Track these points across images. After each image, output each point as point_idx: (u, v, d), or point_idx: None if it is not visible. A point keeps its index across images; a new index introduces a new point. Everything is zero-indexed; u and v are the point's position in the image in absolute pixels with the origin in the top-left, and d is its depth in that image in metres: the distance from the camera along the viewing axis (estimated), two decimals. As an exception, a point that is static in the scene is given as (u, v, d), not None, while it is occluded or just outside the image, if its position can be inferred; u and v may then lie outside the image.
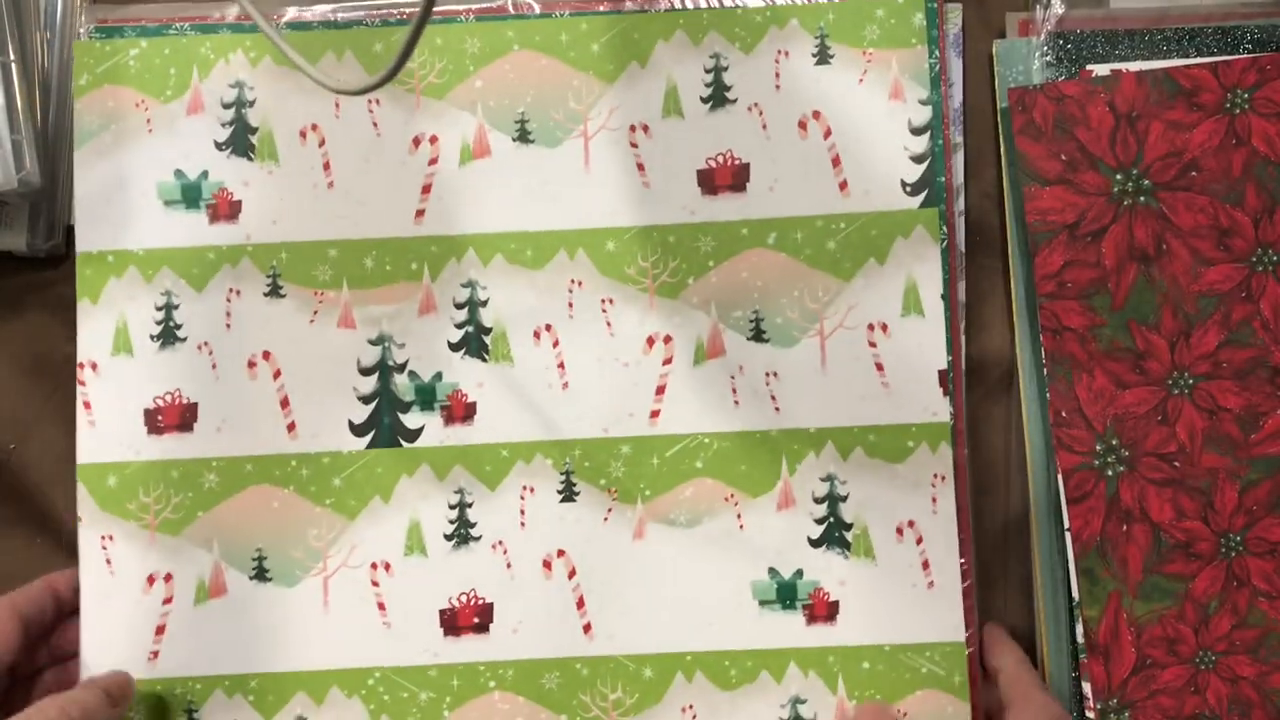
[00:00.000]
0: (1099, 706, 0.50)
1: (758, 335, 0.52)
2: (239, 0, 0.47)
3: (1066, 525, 0.51)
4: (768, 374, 0.52)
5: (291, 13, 0.54)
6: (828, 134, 0.53)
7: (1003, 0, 0.54)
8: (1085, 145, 0.51)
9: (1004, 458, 0.53)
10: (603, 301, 0.53)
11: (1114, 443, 0.51)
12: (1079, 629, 0.51)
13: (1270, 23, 0.53)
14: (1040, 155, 0.52)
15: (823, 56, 0.53)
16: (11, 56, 0.51)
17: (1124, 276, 0.51)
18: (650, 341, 0.53)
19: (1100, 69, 0.53)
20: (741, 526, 0.52)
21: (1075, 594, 0.51)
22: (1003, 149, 0.54)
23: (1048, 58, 0.53)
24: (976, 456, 0.53)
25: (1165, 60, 0.53)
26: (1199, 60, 0.52)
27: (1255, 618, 0.50)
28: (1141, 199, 0.51)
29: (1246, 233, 0.51)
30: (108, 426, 0.52)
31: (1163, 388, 0.51)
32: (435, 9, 0.54)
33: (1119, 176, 0.51)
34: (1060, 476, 0.51)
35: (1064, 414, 0.51)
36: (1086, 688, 0.51)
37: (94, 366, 0.52)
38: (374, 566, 0.52)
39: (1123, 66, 0.53)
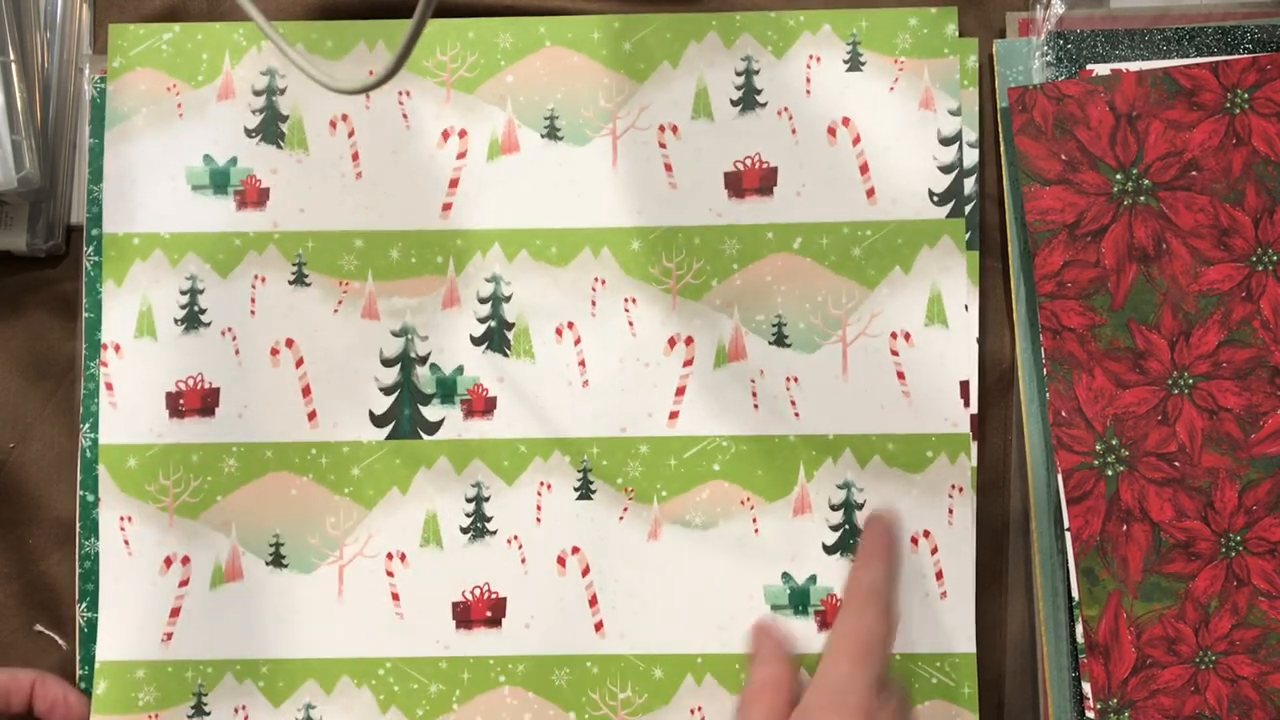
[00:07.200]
0: (1099, 706, 0.50)
1: (780, 340, 0.52)
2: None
3: (1066, 525, 0.51)
4: (788, 379, 0.52)
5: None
6: (856, 141, 0.53)
7: (1003, 0, 0.54)
8: (1085, 145, 0.51)
9: (1004, 458, 0.53)
10: (625, 301, 0.53)
11: (1114, 442, 0.51)
12: (1079, 629, 0.50)
13: (1270, 23, 0.52)
14: (1040, 155, 0.51)
15: (854, 63, 0.53)
16: (11, 56, 0.51)
17: (1124, 276, 0.51)
18: (672, 342, 0.53)
19: (1100, 69, 0.52)
20: (756, 531, 0.52)
21: (1075, 594, 0.50)
22: (1003, 149, 0.53)
23: (1048, 57, 0.53)
24: (977, 457, 0.53)
25: (1165, 60, 0.52)
26: (1199, 60, 0.52)
27: (1255, 617, 0.50)
28: (1141, 199, 0.51)
29: (1246, 232, 0.51)
30: (129, 409, 0.53)
31: (1163, 387, 0.51)
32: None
33: (1119, 176, 0.51)
34: (1060, 476, 0.51)
35: (1064, 414, 0.51)
36: (1086, 688, 0.50)
37: (117, 349, 0.53)
38: (389, 557, 0.52)
39: (1123, 66, 0.52)
